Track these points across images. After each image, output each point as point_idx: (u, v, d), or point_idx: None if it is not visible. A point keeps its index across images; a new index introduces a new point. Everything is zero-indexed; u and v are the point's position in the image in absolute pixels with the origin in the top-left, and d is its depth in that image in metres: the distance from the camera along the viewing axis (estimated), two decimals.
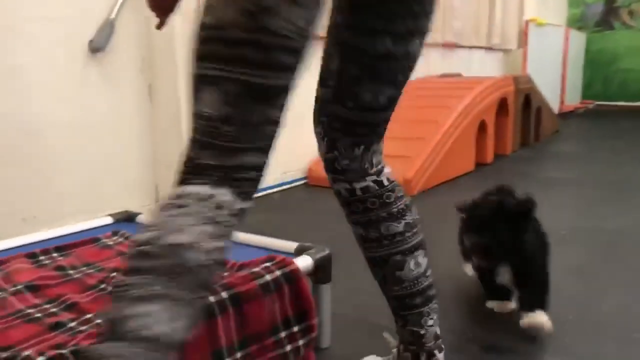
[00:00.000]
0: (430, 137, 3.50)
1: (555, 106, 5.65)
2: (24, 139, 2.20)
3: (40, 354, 0.89)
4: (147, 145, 2.72)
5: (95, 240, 1.62)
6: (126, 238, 1.64)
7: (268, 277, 1.24)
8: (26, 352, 0.92)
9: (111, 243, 1.61)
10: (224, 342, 1.13)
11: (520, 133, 4.65)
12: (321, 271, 1.42)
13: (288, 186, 3.46)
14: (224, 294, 1.15)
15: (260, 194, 3.23)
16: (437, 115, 3.69)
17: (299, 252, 1.46)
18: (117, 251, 1.54)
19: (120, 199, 2.54)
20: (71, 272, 1.39)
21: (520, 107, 4.55)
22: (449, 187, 3.43)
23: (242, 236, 1.64)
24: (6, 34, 2.12)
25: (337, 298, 1.51)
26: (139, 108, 2.66)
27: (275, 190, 3.36)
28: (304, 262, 1.40)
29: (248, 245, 1.58)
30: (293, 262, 1.32)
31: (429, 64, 4.86)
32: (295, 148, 3.52)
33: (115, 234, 1.67)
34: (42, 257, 1.49)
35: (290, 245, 1.51)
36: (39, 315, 1.16)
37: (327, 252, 1.45)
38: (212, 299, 1.13)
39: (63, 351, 0.90)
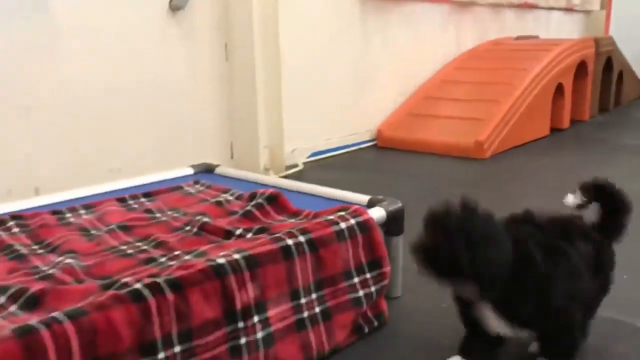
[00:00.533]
0: (504, 99, 3.43)
1: (639, 71, 5.37)
2: (107, 96, 2.32)
3: (137, 280, 0.97)
4: (223, 103, 2.80)
5: (179, 187, 1.72)
6: (208, 187, 1.73)
7: (343, 225, 1.28)
8: (124, 279, 1.01)
9: (193, 191, 1.70)
10: (300, 283, 1.18)
11: (599, 98, 4.46)
12: (393, 223, 1.45)
13: (356, 147, 3.49)
14: (302, 238, 1.20)
15: (327, 155, 3.28)
16: (511, 77, 3.60)
17: (371, 204, 1.49)
18: (199, 198, 1.63)
19: (195, 155, 2.63)
20: (158, 215, 1.49)
21: (601, 70, 4.36)
22: (522, 151, 3.36)
23: (316, 189, 1.69)
24: None
25: (407, 253, 1.53)
26: (215, 66, 2.73)
27: (343, 151, 3.39)
28: (376, 214, 1.44)
29: (321, 197, 1.63)
30: (366, 212, 1.35)
31: (504, 25, 4.71)
32: (363, 109, 3.54)
33: (196, 182, 1.77)
34: (131, 202, 1.60)
35: (363, 198, 1.54)
36: (131, 251, 1.25)
37: (399, 204, 1.47)
38: (290, 241, 1.18)
39: (158, 280, 0.98)
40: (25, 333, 0.82)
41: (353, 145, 3.48)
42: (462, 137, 3.23)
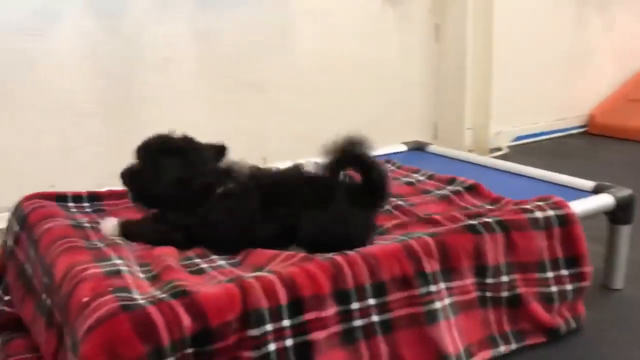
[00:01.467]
0: None
1: None
2: (328, 75, 2.50)
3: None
4: (430, 84, 2.85)
5: None
6: (398, 167, 1.80)
7: (539, 214, 1.25)
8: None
9: None
10: (490, 261, 1.18)
11: None
12: (622, 211, 1.40)
13: (564, 133, 3.32)
14: (489, 219, 1.21)
15: (533, 140, 3.17)
16: None
17: (598, 190, 1.45)
18: (390, 177, 1.71)
19: (401, 134, 2.72)
20: None
21: None
22: None
23: (536, 172, 1.67)
24: None
25: (635, 243, 1.47)
26: (424, 47, 2.79)
27: (550, 136, 3.26)
28: (603, 201, 1.40)
29: (542, 181, 1.61)
30: (567, 206, 1.29)
31: None
32: (574, 93, 3.35)
33: (387, 162, 1.84)
34: None
35: (587, 184, 1.50)
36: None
37: (629, 191, 1.41)
38: (475, 221, 1.20)
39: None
40: (239, 282, 0.96)
41: (561, 130, 3.32)
42: None
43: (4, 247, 1.38)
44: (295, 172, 1.27)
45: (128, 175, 1.25)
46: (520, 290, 1.21)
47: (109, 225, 1.23)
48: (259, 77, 2.34)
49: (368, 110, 2.64)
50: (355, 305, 1.04)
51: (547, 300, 1.24)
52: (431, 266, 1.11)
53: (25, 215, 1.31)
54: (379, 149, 1.97)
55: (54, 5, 1.92)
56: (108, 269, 1.02)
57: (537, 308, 1.22)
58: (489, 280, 1.18)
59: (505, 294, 1.20)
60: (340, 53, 2.52)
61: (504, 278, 1.19)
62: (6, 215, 1.44)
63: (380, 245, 1.13)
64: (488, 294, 1.18)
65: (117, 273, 1.01)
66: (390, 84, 2.71)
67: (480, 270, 1.17)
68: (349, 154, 1.23)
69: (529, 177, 1.67)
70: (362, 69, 2.59)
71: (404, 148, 2.01)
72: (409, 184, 1.64)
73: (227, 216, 1.18)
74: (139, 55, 2.09)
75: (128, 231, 1.22)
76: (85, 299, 0.91)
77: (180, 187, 1.20)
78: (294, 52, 2.40)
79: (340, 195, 1.20)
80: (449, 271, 1.14)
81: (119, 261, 1.07)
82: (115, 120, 2.07)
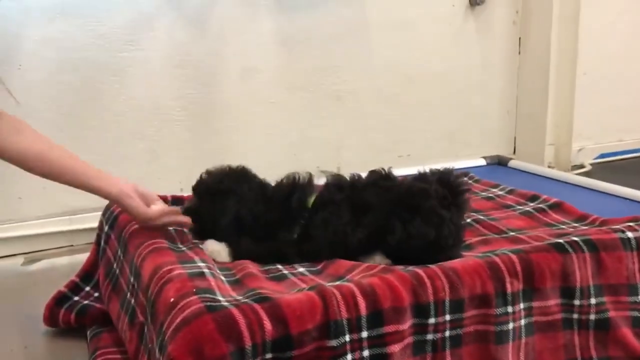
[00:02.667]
0: None
1: None
2: (406, 85, 2.49)
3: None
4: (510, 97, 2.78)
5: None
6: (476, 181, 1.76)
7: (630, 235, 1.19)
8: None
9: None
10: (577, 281, 1.13)
11: None
12: None
13: None
14: (577, 238, 1.17)
15: (618, 157, 3.03)
16: None
17: None
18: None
19: (479, 147, 2.67)
20: None
21: None
22: None
23: (623, 190, 1.61)
24: None
25: None
26: (506, 60, 2.73)
27: (635, 155, 3.09)
28: None
29: (629, 200, 1.55)
30: None
31: None
32: None
33: (464, 175, 1.80)
34: None
35: None
36: None
37: None
38: (561, 240, 1.16)
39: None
40: (320, 290, 0.97)
41: None
42: None
43: (96, 245, 1.46)
44: (380, 179, 1.27)
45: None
46: (610, 314, 1.15)
47: (216, 247, 1.24)
48: (338, 87, 2.37)
49: (446, 122, 2.61)
50: (431, 320, 1.03)
51: (638, 325, 1.18)
52: (513, 286, 1.08)
53: (115, 217, 1.38)
54: (457, 162, 1.96)
55: (146, 16, 2.02)
56: (191, 270, 1.06)
57: (627, 333, 1.16)
58: (576, 302, 1.14)
59: (593, 317, 1.15)
60: (420, 64, 2.51)
61: (593, 300, 1.15)
62: (96, 215, 1.52)
63: (463, 260, 1.11)
64: (575, 316, 1.14)
65: (201, 275, 1.04)
66: (470, 97, 2.67)
67: (567, 291, 1.13)
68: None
69: (615, 195, 1.61)
70: (442, 80, 2.57)
71: (482, 162, 1.98)
72: (489, 198, 1.61)
73: (324, 227, 1.21)
74: (224, 65, 2.16)
75: (237, 252, 1.23)
76: (171, 300, 0.94)
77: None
78: (373, 62, 2.41)
79: (429, 200, 1.19)
80: (532, 291, 1.10)
81: (202, 264, 1.10)
82: (199, 127, 2.14)
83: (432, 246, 1.16)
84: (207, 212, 1.26)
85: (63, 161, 1.15)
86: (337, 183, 1.28)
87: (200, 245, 1.23)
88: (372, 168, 1.31)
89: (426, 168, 1.28)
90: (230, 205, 1.24)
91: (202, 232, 1.27)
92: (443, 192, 1.21)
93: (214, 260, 1.18)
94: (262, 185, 1.31)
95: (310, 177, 1.29)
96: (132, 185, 1.22)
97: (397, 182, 1.26)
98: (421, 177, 1.26)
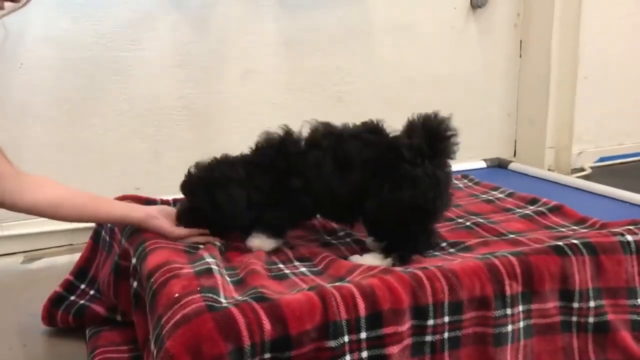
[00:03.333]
0: None
1: None
2: (407, 86, 2.49)
3: None
4: (511, 100, 2.79)
5: None
6: (476, 183, 1.76)
7: (629, 238, 1.20)
8: None
9: (461, 185, 1.77)
10: (577, 284, 1.13)
11: None
12: None
13: None
14: (576, 241, 1.17)
15: (618, 161, 3.02)
16: None
17: None
18: (467, 193, 1.69)
19: (479, 150, 2.67)
20: None
21: None
22: None
23: (623, 194, 1.61)
24: None
25: None
26: (507, 63, 2.74)
27: (635, 159, 3.09)
28: None
29: (629, 203, 1.55)
30: None
31: None
32: None
33: (464, 177, 1.81)
34: None
35: None
36: None
37: None
38: (560, 242, 1.16)
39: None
40: (319, 290, 0.97)
41: None
42: None
43: (92, 241, 1.46)
44: (366, 131, 1.27)
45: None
46: (609, 316, 1.15)
47: (257, 242, 1.26)
48: (340, 89, 2.37)
49: None
50: (430, 322, 1.03)
51: (637, 329, 1.18)
52: (512, 288, 1.08)
53: None
54: (457, 164, 1.96)
55: (148, 15, 2.02)
56: (200, 268, 1.06)
57: (626, 336, 1.16)
58: (575, 305, 1.14)
59: (592, 319, 1.15)
60: (422, 66, 2.51)
61: (592, 303, 1.15)
62: None
63: (462, 262, 1.11)
64: (574, 318, 1.14)
65: (209, 271, 1.04)
66: (470, 99, 2.67)
67: (566, 294, 1.13)
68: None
69: (614, 198, 1.61)
70: (443, 82, 2.57)
71: (483, 165, 1.98)
72: (489, 201, 1.61)
73: (316, 168, 1.21)
74: (225, 65, 2.16)
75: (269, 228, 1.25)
76: (176, 295, 0.95)
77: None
78: (374, 64, 2.41)
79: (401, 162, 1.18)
80: (531, 293, 1.11)
81: (210, 259, 1.10)
82: (201, 126, 2.14)
83: (411, 207, 1.16)
84: (208, 205, 1.22)
85: (81, 202, 1.18)
86: (325, 128, 1.27)
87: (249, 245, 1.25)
88: None
89: (415, 114, 1.27)
90: (235, 192, 1.21)
91: (212, 227, 1.26)
92: (419, 145, 1.19)
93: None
94: (244, 159, 1.28)
95: (288, 128, 1.29)
96: (156, 208, 1.27)
97: (384, 135, 1.25)
98: (409, 125, 1.25)
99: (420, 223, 1.22)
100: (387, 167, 1.18)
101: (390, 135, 1.25)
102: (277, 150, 1.25)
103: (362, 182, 1.20)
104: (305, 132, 1.27)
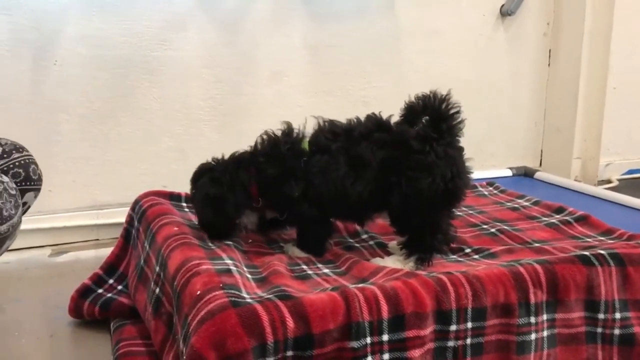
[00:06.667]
0: None
1: None
2: None
3: None
4: (538, 109, 2.76)
5: (473, 187, 1.78)
6: (501, 191, 1.75)
7: None
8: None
9: (486, 193, 1.76)
10: (602, 295, 1.12)
11: None
12: None
13: None
14: (603, 251, 1.15)
15: None
16: None
17: None
18: (492, 200, 1.68)
19: (505, 158, 2.65)
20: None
21: None
22: None
23: None
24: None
25: None
26: (536, 72, 2.71)
27: None
28: None
29: None
30: None
31: None
32: None
33: (490, 184, 1.80)
34: None
35: None
36: None
37: None
38: (587, 252, 1.15)
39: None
40: (343, 291, 0.97)
41: None
42: None
43: (123, 240, 1.48)
44: (376, 129, 1.26)
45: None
46: (635, 329, 1.14)
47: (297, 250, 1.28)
48: (365, 93, 2.37)
49: (474, 131, 2.56)
50: (453, 327, 1.03)
51: None
52: (537, 297, 1.08)
53: (144, 210, 1.40)
54: (483, 172, 1.96)
55: (179, 16, 2.05)
56: (219, 267, 1.07)
57: None
58: (601, 316, 1.12)
59: (617, 331, 1.13)
60: (449, 73, 2.50)
61: (617, 315, 1.13)
62: (122, 210, 1.54)
63: (487, 268, 1.11)
64: (599, 330, 1.13)
65: (228, 271, 1.06)
66: (498, 107, 2.65)
67: (591, 304, 1.12)
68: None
69: None
70: (471, 89, 2.56)
71: (508, 173, 1.97)
72: (514, 209, 1.60)
73: (322, 176, 1.20)
74: (253, 67, 2.18)
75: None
76: (198, 292, 0.96)
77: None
78: (401, 69, 2.42)
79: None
80: (556, 302, 1.10)
81: (229, 261, 1.12)
82: (227, 127, 2.17)
83: (432, 194, 1.15)
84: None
85: None
86: (331, 129, 1.26)
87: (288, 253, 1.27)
88: None
89: (412, 96, 1.27)
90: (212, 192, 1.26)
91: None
92: (425, 132, 1.19)
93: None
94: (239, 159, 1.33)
95: (289, 125, 1.30)
96: None
97: (391, 130, 1.25)
98: (409, 109, 1.26)
99: (447, 206, 1.21)
100: (400, 162, 1.18)
101: (394, 125, 1.25)
102: (272, 154, 1.27)
103: (377, 180, 1.19)
104: (309, 129, 1.27)
